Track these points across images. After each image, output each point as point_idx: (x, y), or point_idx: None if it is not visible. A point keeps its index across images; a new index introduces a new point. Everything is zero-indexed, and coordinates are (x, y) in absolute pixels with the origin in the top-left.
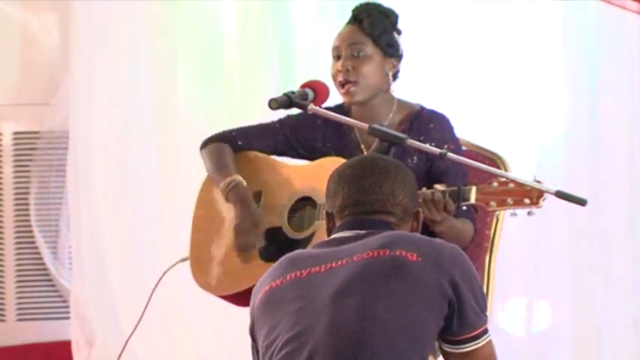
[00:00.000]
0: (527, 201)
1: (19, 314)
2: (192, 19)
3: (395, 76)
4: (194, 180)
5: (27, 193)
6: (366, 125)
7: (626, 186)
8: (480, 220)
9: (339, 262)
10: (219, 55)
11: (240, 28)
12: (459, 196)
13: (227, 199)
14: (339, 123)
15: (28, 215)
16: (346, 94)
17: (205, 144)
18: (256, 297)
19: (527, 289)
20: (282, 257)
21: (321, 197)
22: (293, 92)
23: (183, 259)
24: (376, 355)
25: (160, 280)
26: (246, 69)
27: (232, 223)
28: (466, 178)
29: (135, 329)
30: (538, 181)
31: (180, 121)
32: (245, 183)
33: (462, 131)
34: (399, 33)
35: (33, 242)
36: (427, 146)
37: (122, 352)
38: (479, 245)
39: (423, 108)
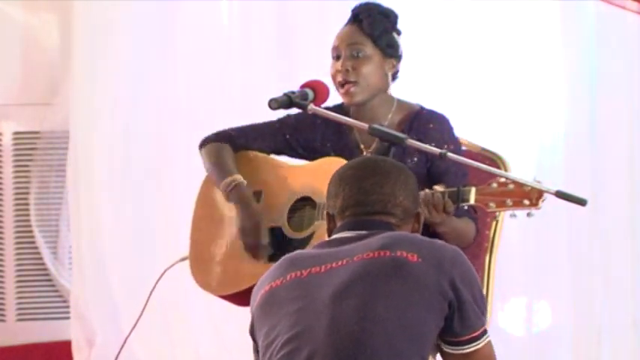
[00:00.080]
0: (526, 202)
1: (19, 314)
2: (192, 19)
3: (394, 77)
4: (194, 180)
5: (27, 193)
6: (366, 125)
7: (626, 186)
8: (480, 220)
9: (340, 263)
10: (219, 55)
11: (240, 28)
12: (458, 197)
13: (228, 199)
14: (338, 123)
15: (28, 215)
16: (345, 94)
17: (204, 143)
18: (256, 297)
19: (527, 289)
20: (283, 257)
21: (320, 197)
22: (293, 92)
23: (183, 259)
24: (376, 354)
25: (160, 280)
26: (246, 69)
27: (232, 222)
28: (466, 178)
29: (133, 328)
30: (538, 182)
31: (180, 121)
32: (245, 183)
33: (462, 131)
34: (399, 33)
35: (33, 242)
36: (427, 146)
37: (120, 350)
38: (479, 245)
39: (422, 108)
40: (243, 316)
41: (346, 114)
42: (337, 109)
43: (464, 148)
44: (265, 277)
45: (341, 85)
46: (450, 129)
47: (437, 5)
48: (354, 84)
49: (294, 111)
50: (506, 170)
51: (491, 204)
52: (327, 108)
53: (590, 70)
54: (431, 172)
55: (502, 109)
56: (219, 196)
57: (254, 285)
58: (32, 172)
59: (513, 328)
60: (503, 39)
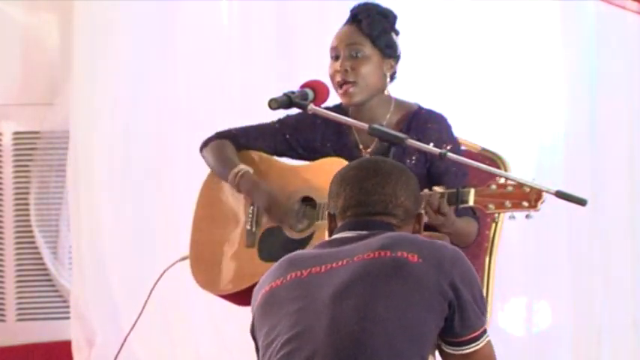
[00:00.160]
0: (525, 204)
1: (19, 314)
2: (192, 19)
3: (392, 77)
4: (194, 180)
5: (27, 193)
6: (366, 125)
7: (626, 186)
8: (480, 220)
9: (340, 263)
10: (219, 55)
11: (240, 28)
12: (457, 199)
13: (239, 189)
14: (338, 123)
15: (28, 215)
16: (344, 94)
17: (206, 143)
18: (257, 297)
19: (527, 289)
20: (283, 258)
21: (320, 197)
22: (293, 92)
23: (183, 258)
24: (376, 355)
25: (160, 280)
26: (246, 69)
27: (234, 222)
28: (466, 177)
29: (133, 327)
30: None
31: (180, 121)
32: (252, 170)
33: (462, 131)
34: (397, 33)
35: (33, 242)
36: (427, 146)
37: (120, 350)
38: (479, 245)
39: (420, 108)
40: (243, 316)
41: (345, 114)
42: (336, 109)
43: (463, 148)
44: (266, 277)
45: (340, 85)
46: (448, 128)
47: (437, 5)
48: (353, 84)
49: (294, 111)
50: (506, 170)
51: (490, 205)
52: (326, 108)
53: (590, 70)
54: (431, 172)
55: (502, 109)
56: (220, 196)
57: (254, 285)
58: (32, 172)
59: (513, 328)
60: (503, 39)
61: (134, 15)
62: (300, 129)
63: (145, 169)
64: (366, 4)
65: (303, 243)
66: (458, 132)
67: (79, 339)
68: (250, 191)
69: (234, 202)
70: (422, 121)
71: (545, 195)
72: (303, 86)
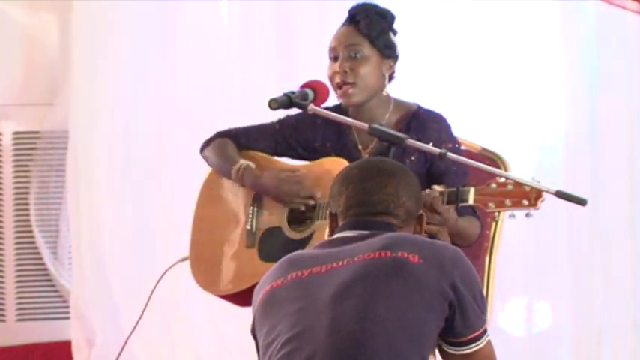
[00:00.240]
0: (525, 203)
1: (19, 314)
2: (192, 19)
3: (391, 77)
4: (194, 180)
5: (27, 193)
6: (366, 125)
7: (626, 186)
8: (481, 219)
9: (341, 263)
10: (219, 55)
11: (240, 28)
12: (457, 198)
13: (242, 184)
14: (338, 123)
15: (28, 215)
16: (343, 95)
17: (207, 143)
18: (257, 297)
19: (527, 289)
20: (283, 258)
21: (320, 197)
22: (293, 92)
23: (183, 259)
24: (376, 355)
25: (160, 280)
26: (246, 69)
27: (234, 223)
28: (466, 177)
29: (134, 328)
30: (537, 182)
31: (180, 121)
32: (253, 165)
33: (462, 131)
34: (396, 33)
35: (33, 242)
36: (427, 146)
37: (121, 351)
38: (479, 245)
39: (420, 107)
40: (243, 316)
41: (345, 114)
42: (336, 109)
43: (463, 148)
44: (266, 276)
45: (339, 86)
46: (447, 128)
47: (437, 5)
48: (353, 85)
49: (294, 111)
50: (506, 170)
51: (491, 204)
52: (326, 108)
53: (590, 70)
54: (431, 172)
55: (502, 109)
56: (220, 197)
57: (254, 285)
58: (32, 172)
59: (513, 328)
60: (503, 39)
61: (134, 15)
62: (300, 129)
63: (145, 169)
64: (364, 5)
65: (303, 243)
66: (458, 132)
67: (79, 339)
68: (253, 184)
69: (234, 202)
70: (421, 121)
71: (545, 194)
72: (303, 86)
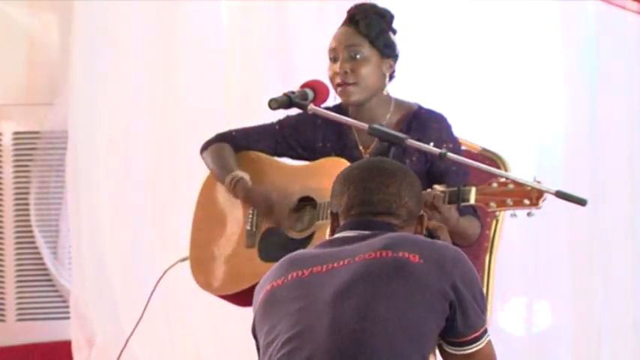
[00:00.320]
0: (526, 202)
1: (19, 314)
2: (192, 19)
3: (391, 77)
4: (194, 180)
5: (27, 193)
6: (366, 125)
7: (626, 186)
8: (481, 219)
9: (341, 263)
10: (219, 55)
11: (240, 28)
12: (459, 197)
13: (235, 196)
14: (339, 123)
15: (28, 215)
16: (343, 93)
17: (206, 146)
18: (258, 297)
19: (527, 289)
20: (284, 257)
21: (321, 197)
22: (293, 92)
23: (183, 259)
24: (376, 354)
25: (160, 280)
26: (246, 69)
27: (234, 223)
28: (467, 176)
29: (135, 329)
30: (538, 182)
31: (180, 121)
32: (248, 176)
33: (462, 131)
34: (395, 33)
35: (33, 242)
36: (427, 146)
37: (122, 351)
38: (479, 245)
39: (420, 107)
40: (243, 316)
41: (345, 114)
42: (336, 109)
43: (464, 148)
44: (267, 276)
45: (339, 87)
46: (448, 128)
47: (436, 5)
48: (354, 85)
49: (294, 111)
50: (506, 170)
51: (492, 204)
52: (326, 108)
53: (590, 70)
54: (431, 172)
55: (502, 109)
56: (219, 197)
57: (254, 285)
58: (32, 172)
59: (513, 328)
60: (503, 39)
61: (134, 15)
62: (301, 129)
63: (145, 169)
64: (362, 5)
65: (303, 243)
66: (458, 132)
67: (79, 339)
68: (245, 198)
69: (234, 202)
70: (422, 121)
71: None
72: (303, 86)
